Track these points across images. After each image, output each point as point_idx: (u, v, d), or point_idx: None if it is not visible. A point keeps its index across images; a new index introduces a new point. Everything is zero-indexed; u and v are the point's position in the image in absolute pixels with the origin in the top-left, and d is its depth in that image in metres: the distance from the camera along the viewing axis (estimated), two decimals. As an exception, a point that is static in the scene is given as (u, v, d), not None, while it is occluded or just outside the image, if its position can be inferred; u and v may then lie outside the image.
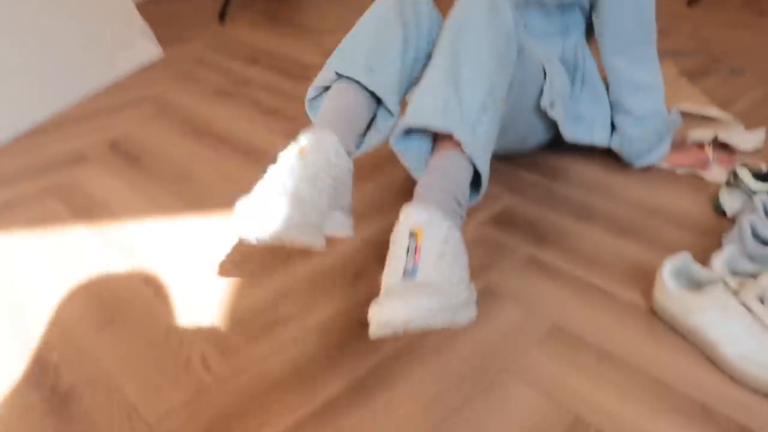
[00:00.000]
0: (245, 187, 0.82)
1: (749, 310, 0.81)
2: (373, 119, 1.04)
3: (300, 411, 0.81)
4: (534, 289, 0.99)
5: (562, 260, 1.04)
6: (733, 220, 1.09)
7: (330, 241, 0.87)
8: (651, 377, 0.84)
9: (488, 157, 0.91)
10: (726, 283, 0.84)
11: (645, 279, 0.99)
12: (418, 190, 0.86)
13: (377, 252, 1.08)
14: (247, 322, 0.96)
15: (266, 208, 0.76)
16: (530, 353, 0.87)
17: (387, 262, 0.77)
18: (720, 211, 1.13)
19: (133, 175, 1.40)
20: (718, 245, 1.01)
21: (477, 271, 1.00)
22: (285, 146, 0.87)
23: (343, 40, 1.04)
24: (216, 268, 1.08)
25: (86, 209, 1.28)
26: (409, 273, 0.72)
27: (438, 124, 0.88)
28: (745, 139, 1.31)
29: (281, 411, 0.81)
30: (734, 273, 0.89)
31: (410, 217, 0.78)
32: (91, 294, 1.04)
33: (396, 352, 0.88)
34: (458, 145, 0.87)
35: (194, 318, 0.97)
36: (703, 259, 0.94)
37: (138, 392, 0.85)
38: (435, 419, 0.79)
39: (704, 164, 1.24)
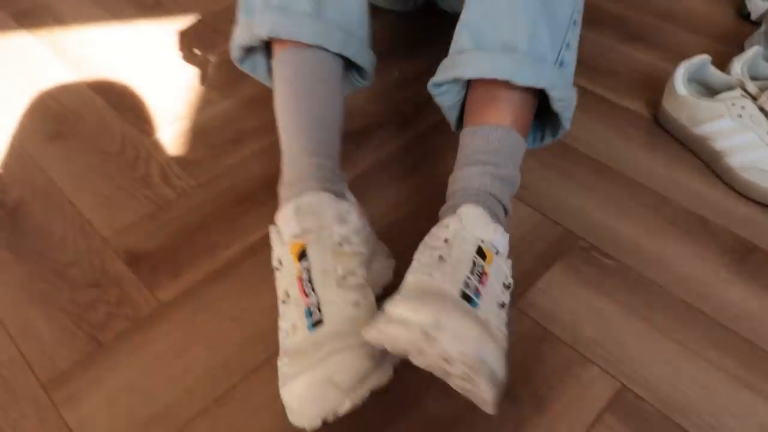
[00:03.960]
0: None
1: (767, 116, 0.72)
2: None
3: (267, 226, 0.75)
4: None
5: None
6: (757, 23, 0.96)
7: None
8: (649, 190, 0.77)
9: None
10: (744, 88, 0.75)
11: (652, 88, 0.89)
12: (480, 173, 0.59)
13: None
14: (210, 134, 0.87)
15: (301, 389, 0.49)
16: (524, 162, 0.80)
17: (432, 255, 0.52)
18: (744, 15, 1.00)
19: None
20: (738, 52, 0.90)
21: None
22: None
23: None
24: (175, 78, 0.97)
25: (27, 14, 1.13)
26: (467, 297, 0.50)
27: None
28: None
29: (247, 225, 0.75)
30: (755, 78, 0.79)
31: (481, 228, 0.54)
32: (39, 105, 0.93)
33: (370, 165, 0.81)
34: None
35: (152, 131, 0.88)
36: (721, 67, 0.83)
37: (92, 207, 0.78)
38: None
39: None
